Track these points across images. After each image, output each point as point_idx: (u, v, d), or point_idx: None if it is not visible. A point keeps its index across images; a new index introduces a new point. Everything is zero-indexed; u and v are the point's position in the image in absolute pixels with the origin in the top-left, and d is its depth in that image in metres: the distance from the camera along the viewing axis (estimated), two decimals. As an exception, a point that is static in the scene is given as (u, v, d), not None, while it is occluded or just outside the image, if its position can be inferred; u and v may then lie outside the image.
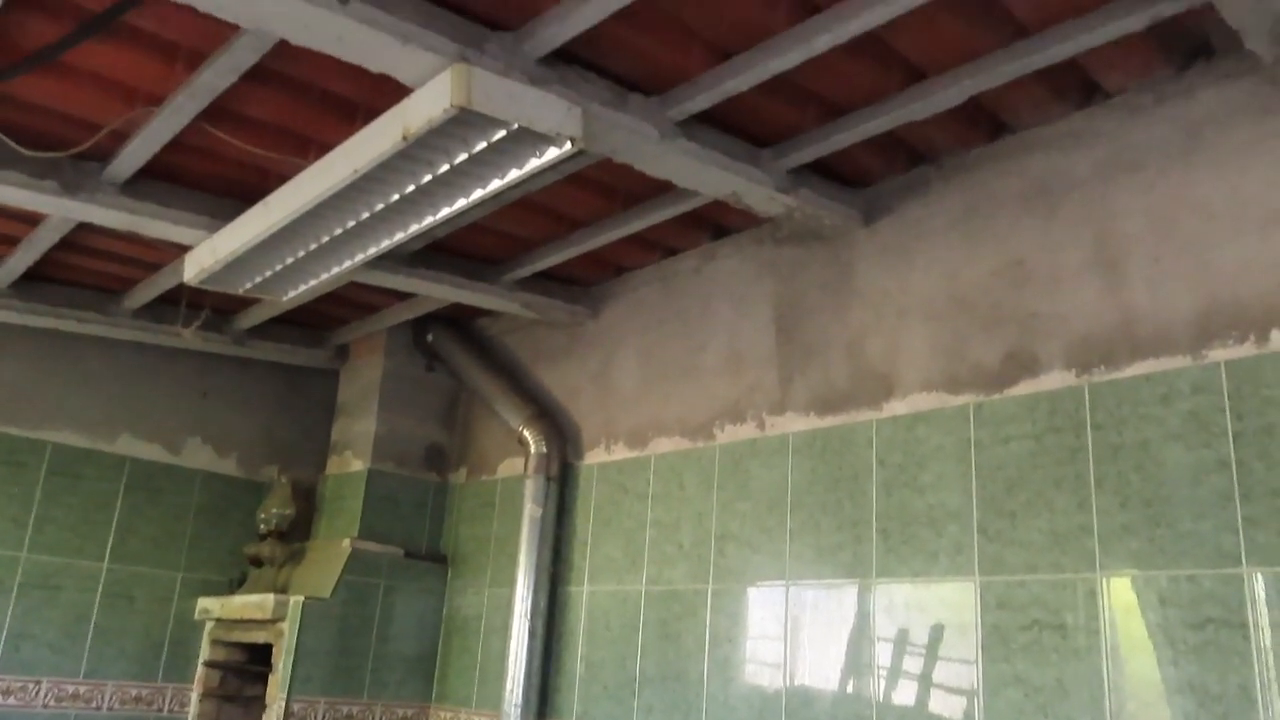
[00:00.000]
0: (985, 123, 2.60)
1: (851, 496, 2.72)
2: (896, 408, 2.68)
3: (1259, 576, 1.95)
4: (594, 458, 3.64)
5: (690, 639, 3.04)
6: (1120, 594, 2.15)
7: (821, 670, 2.68)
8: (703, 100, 2.35)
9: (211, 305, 4.00)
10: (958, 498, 2.47)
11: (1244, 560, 1.97)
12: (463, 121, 2.07)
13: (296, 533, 4.29)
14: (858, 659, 2.60)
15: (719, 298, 3.32)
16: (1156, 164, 2.31)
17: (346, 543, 3.89)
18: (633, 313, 3.67)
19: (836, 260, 2.97)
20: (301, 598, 3.69)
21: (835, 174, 2.84)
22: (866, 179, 2.88)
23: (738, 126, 2.58)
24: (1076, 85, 2.42)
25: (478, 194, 2.44)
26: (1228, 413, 2.06)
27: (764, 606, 2.88)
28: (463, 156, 2.23)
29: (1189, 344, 2.16)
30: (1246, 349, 2.06)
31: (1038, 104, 2.46)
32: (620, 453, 3.53)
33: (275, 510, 4.22)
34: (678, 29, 2.19)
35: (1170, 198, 2.27)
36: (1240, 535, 1.98)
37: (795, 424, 2.94)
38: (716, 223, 3.30)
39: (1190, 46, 2.26)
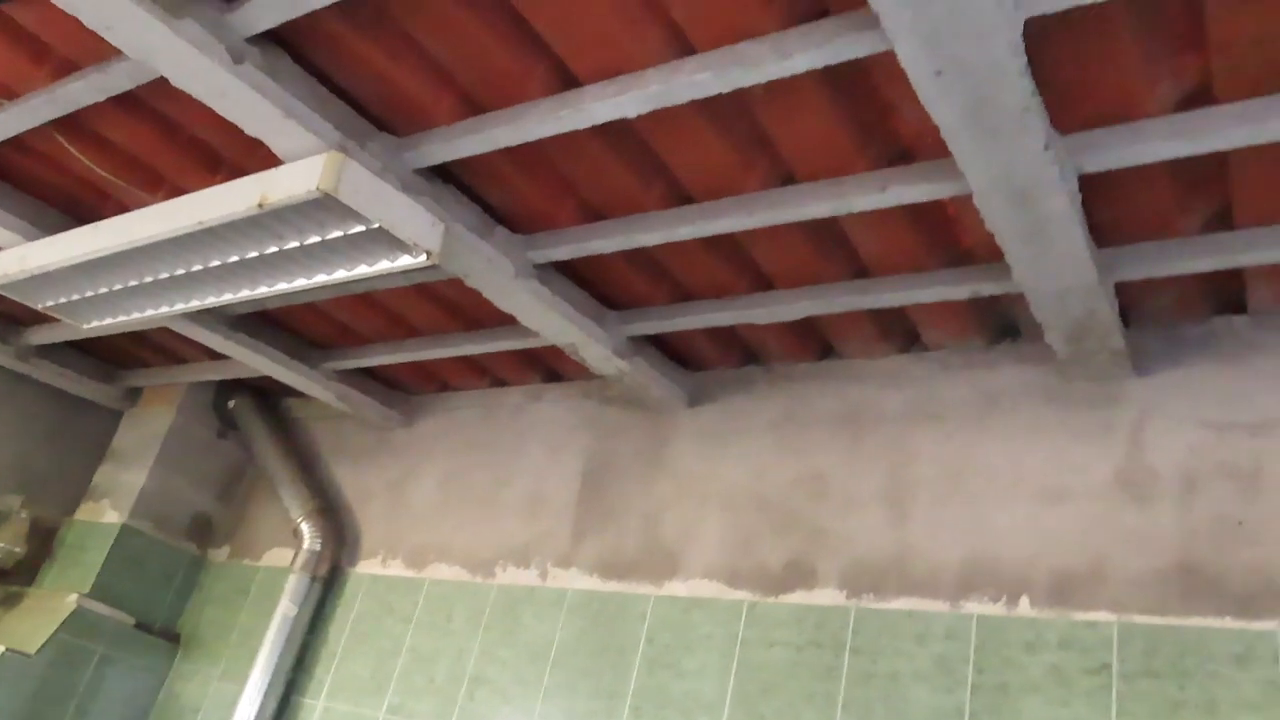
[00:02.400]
0: (815, 342, 2.76)
1: (614, 667, 2.69)
2: (676, 588, 2.71)
3: (967, 829, 2.03)
4: (367, 568, 3.49)
5: (415, 781, 2.89)
6: (841, 821, 2.18)
7: (540, 841, 2.58)
8: (565, 251, 2.42)
9: (2, 312, 3.71)
10: (714, 690, 2.49)
11: (957, 810, 2.05)
12: (324, 207, 2.05)
13: (21, 575, 3.88)
14: (579, 837, 2.52)
15: (534, 439, 3.32)
16: (955, 419, 2.50)
17: (73, 598, 3.55)
18: (446, 431, 3.62)
19: (655, 432, 3.04)
20: (2, 648, 3.31)
21: (671, 351, 2.94)
22: (699, 363, 2.99)
23: (591, 283, 2.65)
24: (900, 332, 2.62)
25: (320, 278, 2.40)
26: (971, 664, 2.18)
27: (499, 762, 2.77)
28: (315, 239, 2.20)
29: (950, 591, 2.29)
30: (998, 608, 2.21)
31: (864, 339, 2.64)
32: (396, 569, 3.40)
33: (3, 545, 3.82)
34: (557, 181, 2.26)
35: (961, 452, 2.45)
36: (958, 785, 2.07)
37: (577, 581, 2.92)
38: (549, 366, 3.34)
39: (1001, 326, 2.50)
